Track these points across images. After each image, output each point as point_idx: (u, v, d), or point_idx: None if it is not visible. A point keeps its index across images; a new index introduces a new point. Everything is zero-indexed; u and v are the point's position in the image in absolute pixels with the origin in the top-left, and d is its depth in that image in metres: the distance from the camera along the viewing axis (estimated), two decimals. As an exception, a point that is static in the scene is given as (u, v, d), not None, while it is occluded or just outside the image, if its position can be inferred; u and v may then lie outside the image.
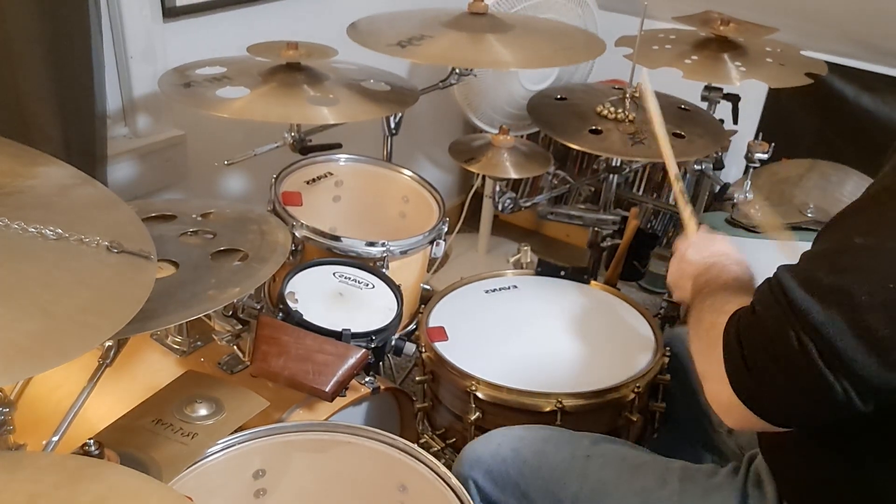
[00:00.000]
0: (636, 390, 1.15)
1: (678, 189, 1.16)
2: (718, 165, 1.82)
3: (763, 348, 0.74)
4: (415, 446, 1.00)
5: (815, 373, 0.70)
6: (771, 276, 0.78)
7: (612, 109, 1.58)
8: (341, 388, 1.10)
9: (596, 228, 1.78)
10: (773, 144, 1.67)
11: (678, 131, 1.56)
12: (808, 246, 0.79)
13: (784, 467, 0.91)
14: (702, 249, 1.03)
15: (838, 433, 0.80)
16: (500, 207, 1.60)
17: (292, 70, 1.46)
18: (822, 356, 0.69)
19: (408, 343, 1.27)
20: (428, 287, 1.49)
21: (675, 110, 1.70)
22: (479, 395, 1.15)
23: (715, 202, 2.15)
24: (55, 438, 0.92)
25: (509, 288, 1.40)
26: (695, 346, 0.89)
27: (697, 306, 0.92)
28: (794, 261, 0.77)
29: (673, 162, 1.19)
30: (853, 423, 0.75)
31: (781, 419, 0.77)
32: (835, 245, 0.74)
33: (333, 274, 1.31)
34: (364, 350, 1.13)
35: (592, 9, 2.18)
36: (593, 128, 1.54)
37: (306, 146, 1.61)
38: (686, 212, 1.13)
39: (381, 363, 1.34)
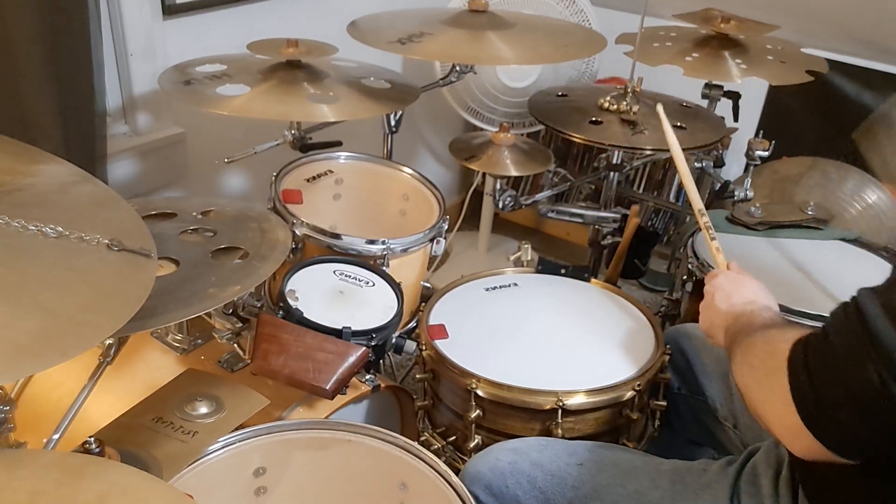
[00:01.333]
0: (637, 388, 1.15)
1: (703, 224, 1.16)
2: (719, 163, 1.82)
3: (836, 379, 0.70)
4: (415, 444, 1.00)
5: (895, 412, 0.66)
6: (848, 300, 0.73)
7: (612, 101, 1.58)
8: (342, 386, 1.10)
9: (596, 226, 1.78)
10: (773, 142, 1.66)
11: (679, 123, 1.56)
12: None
13: (814, 477, 0.88)
14: (729, 296, 1.01)
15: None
16: (500, 205, 1.60)
17: (292, 68, 1.46)
18: None
19: (408, 341, 1.27)
20: (428, 285, 1.49)
21: (676, 108, 1.70)
22: (480, 393, 1.15)
23: (716, 200, 2.15)
24: (56, 436, 0.92)
25: (510, 286, 1.40)
26: (748, 380, 0.84)
27: (743, 346, 0.88)
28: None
29: (697, 196, 1.18)
30: None
31: (852, 452, 0.73)
32: None
33: (334, 272, 1.31)
34: (364, 348, 1.13)
35: (585, 6, 2.15)
36: (593, 119, 1.54)
37: (306, 144, 1.61)
38: (713, 247, 1.13)
39: (381, 361, 1.34)
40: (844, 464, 0.74)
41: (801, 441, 0.74)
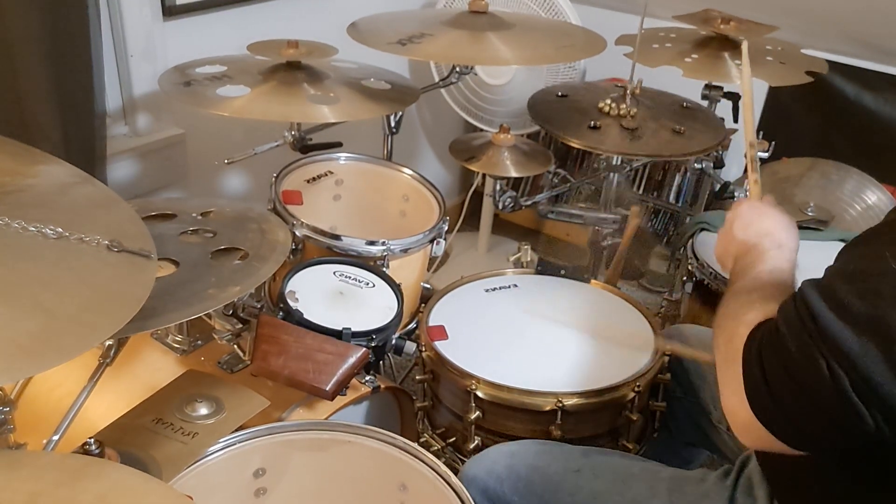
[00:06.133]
0: (636, 389, 1.15)
1: (752, 155, 1.12)
2: (719, 164, 1.81)
3: (787, 374, 0.70)
4: (415, 445, 1.00)
5: (846, 403, 0.67)
6: (795, 292, 0.73)
7: (612, 105, 1.58)
8: (341, 387, 1.10)
9: (596, 227, 1.78)
10: (773, 143, 1.67)
11: (678, 127, 1.56)
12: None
13: (780, 474, 0.90)
14: (748, 225, 0.98)
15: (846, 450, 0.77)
16: (500, 206, 1.60)
17: (292, 69, 1.46)
18: (854, 387, 0.66)
19: (408, 342, 1.27)
20: (428, 286, 1.49)
21: (676, 108, 1.70)
22: (480, 394, 1.15)
23: (715, 201, 2.15)
24: (55, 437, 0.92)
25: (509, 287, 1.40)
26: (716, 348, 0.85)
27: (727, 299, 0.88)
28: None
29: (752, 129, 1.16)
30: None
31: (803, 444, 0.74)
32: (868, 267, 0.70)
33: (334, 273, 1.31)
34: (364, 349, 1.13)
35: (563, 7, 2.09)
36: (592, 124, 1.54)
37: (306, 145, 1.61)
38: (752, 178, 1.09)
39: (381, 362, 1.34)
40: (809, 463, 0.76)
41: (752, 432, 0.75)
